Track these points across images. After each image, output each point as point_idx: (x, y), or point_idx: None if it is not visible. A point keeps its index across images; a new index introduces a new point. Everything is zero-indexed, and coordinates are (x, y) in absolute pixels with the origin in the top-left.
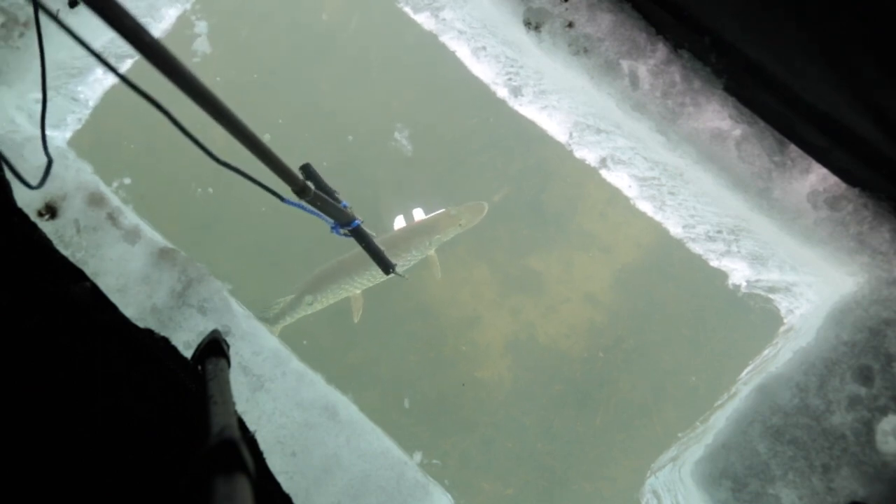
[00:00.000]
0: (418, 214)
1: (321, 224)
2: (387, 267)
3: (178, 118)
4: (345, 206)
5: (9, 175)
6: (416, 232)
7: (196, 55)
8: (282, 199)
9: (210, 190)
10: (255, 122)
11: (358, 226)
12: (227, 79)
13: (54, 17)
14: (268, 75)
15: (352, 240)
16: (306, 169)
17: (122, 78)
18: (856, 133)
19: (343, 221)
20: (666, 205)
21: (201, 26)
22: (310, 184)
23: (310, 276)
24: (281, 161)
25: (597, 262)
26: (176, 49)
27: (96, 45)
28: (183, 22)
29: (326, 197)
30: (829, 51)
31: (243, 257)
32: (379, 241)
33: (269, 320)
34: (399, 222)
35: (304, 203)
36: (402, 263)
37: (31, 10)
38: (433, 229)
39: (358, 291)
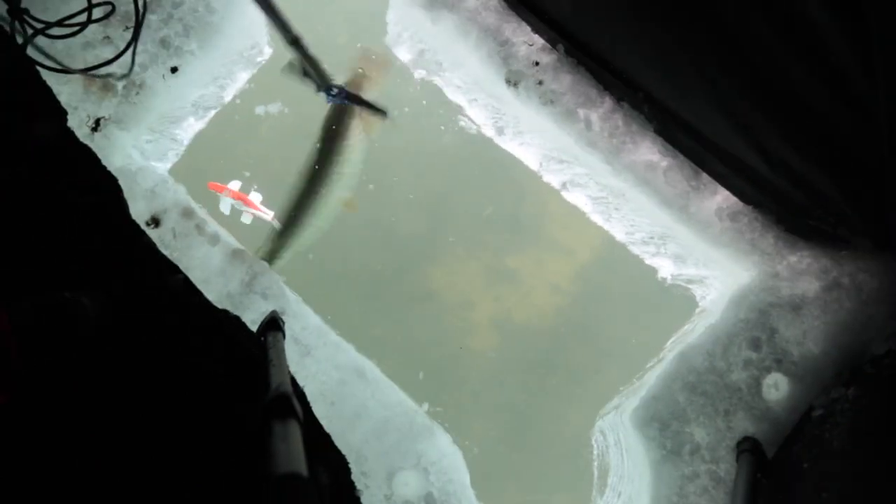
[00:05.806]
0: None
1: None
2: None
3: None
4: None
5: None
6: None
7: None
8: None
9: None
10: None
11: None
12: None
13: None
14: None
15: None
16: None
17: None
18: (747, 164)
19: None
20: (612, 217)
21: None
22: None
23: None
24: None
25: (561, 261)
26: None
27: (189, 99)
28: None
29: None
30: (725, 106)
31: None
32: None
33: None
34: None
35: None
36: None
37: (143, 73)
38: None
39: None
